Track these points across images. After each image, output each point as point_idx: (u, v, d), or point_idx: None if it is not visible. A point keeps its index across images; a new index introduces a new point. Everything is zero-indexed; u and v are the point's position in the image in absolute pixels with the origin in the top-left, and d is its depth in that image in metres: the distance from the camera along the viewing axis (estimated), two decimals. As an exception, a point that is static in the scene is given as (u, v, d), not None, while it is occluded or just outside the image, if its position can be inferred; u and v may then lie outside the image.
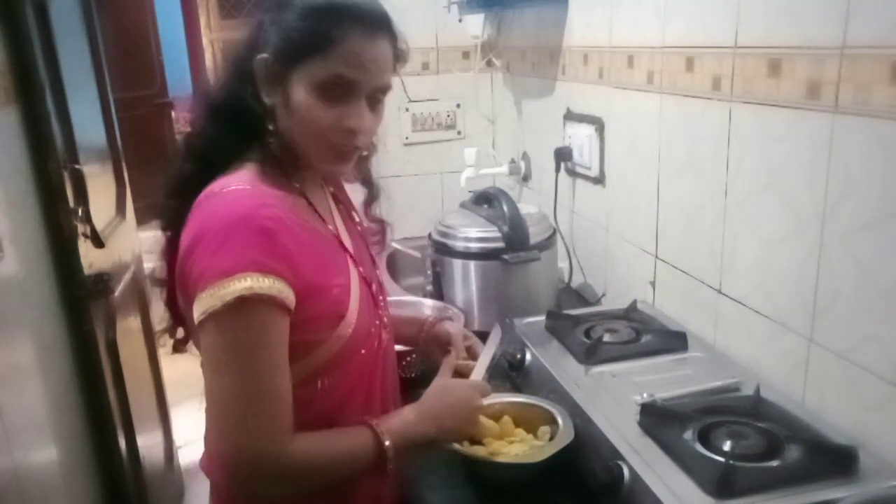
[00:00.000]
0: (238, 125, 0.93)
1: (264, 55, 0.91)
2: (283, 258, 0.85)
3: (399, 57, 0.96)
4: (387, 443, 0.92)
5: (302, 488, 0.90)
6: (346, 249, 1.01)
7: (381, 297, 1.07)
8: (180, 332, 1.02)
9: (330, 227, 1.01)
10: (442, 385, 1.07)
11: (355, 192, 1.17)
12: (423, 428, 0.98)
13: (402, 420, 0.98)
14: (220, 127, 0.94)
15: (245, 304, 0.81)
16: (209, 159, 0.94)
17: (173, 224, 0.94)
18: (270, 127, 0.93)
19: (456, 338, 1.18)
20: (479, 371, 1.14)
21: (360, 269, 1.01)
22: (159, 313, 1.03)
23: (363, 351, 0.98)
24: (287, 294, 0.85)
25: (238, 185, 0.90)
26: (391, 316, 1.16)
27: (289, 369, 0.87)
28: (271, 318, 0.84)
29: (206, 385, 0.86)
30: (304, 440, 0.88)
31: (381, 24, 0.92)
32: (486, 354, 1.18)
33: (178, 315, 0.98)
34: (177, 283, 0.90)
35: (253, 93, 0.92)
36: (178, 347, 1.01)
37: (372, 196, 1.14)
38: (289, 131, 0.94)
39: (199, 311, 0.83)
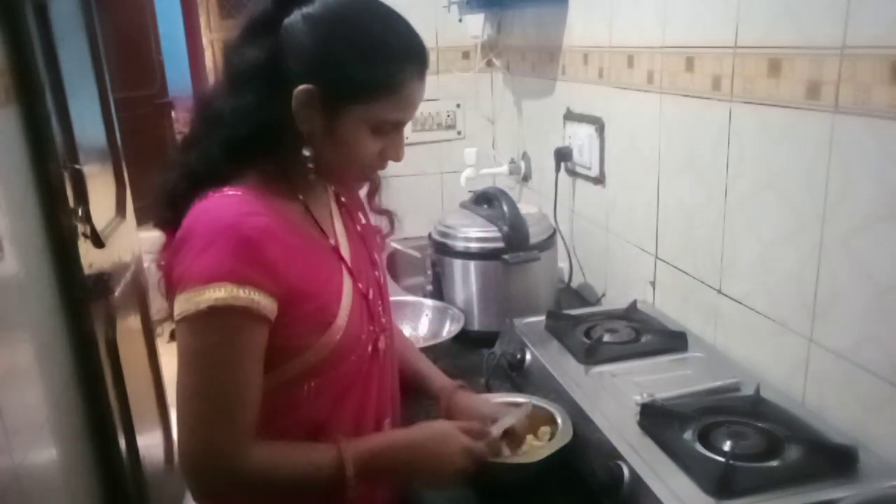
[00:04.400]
0: (239, 146, 0.90)
1: (309, 87, 0.87)
2: (264, 268, 0.85)
3: None
4: (348, 468, 0.90)
5: (256, 491, 0.90)
6: (341, 259, 0.99)
7: (379, 303, 1.05)
8: None
9: (329, 237, 1.00)
10: (442, 431, 1.00)
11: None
12: (395, 464, 0.96)
13: (376, 450, 0.94)
14: (224, 150, 0.90)
15: (217, 313, 0.82)
16: (203, 178, 0.91)
17: (169, 227, 0.94)
18: (307, 152, 0.91)
19: (481, 414, 1.09)
20: (497, 429, 1.06)
21: (355, 276, 0.99)
22: (159, 301, 1.03)
23: (354, 357, 0.97)
24: (265, 304, 0.85)
25: (230, 191, 0.89)
26: (408, 363, 1.15)
27: (259, 378, 0.87)
28: (243, 328, 0.84)
29: (177, 383, 0.87)
30: (265, 447, 0.88)
31: (428, 63, 0.93)
32: (510, 418, 1.09)
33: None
34: (164, 278, 0.91)
35: (281, 117, 0.88)
36: (175, 336, 1.02)
37: (374, 187, 1.11)
38: (322, 154, 0.92)
39: (176, 311, 0.85)
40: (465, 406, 1.12)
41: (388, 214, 1.13)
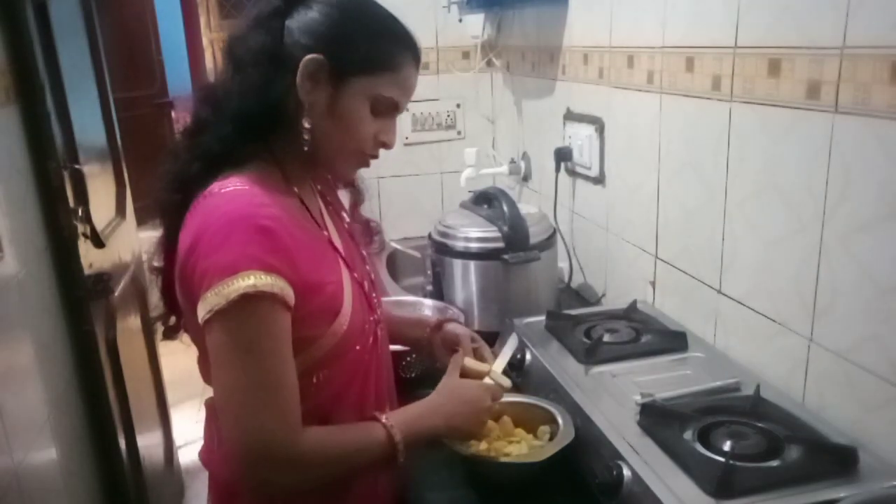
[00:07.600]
0: (249, 121, 0.92)
1: (318, 56, 0.90)
2: (283, 256, 0.86)
3: None
4: (397, 437, 0.94)
5: (312, 478, 0.91)
6: (336, 249, 1.02)
7: (373, 295, 1.08)
8: (173, 320, 1.03)
9: (322, 228, 1.02)
10: (453, 384, 1.07)
11: (342, 195, 1.18)
12: (433, 423, 1.00)
13: (413, 415, 1.00)
14: (238, 128, 0.92)
15: (249, 301, 0.83)
16: (216, 158, 0.93)
17: (172, 218, 0.95)
18: (307, 125, 0.93)
19: (464, 339, 1.19)
20: (498, 368, 1.15)
21: (351, 267, 1.02)
22: (154, 300, 1.03)
23: (358, 347, 0.99)
24: (288, 291, 0.86)
25: (236, 185, 0.90)
26: (394, 318, 1.16)
27: (294, 363, 0.88)
28: (274, 314, 0.85)
29: (215, 380, 0.87)
30: (314, 432, 0.90)
31: (421, 57, 1.00)
32: (504, 356, 1.21)
33: (172, 303, 0.99)
34: (177, 280, 0.91)
35: (286, 86, 0.91)
36: (169, 334, 1.03)
37: (358, 199, 1.16)
38: (321, 130, 0.94)
39: (204, 310, 0.84)
40: (453, 337, 1.20)
41: (367, 224, 1.18)
